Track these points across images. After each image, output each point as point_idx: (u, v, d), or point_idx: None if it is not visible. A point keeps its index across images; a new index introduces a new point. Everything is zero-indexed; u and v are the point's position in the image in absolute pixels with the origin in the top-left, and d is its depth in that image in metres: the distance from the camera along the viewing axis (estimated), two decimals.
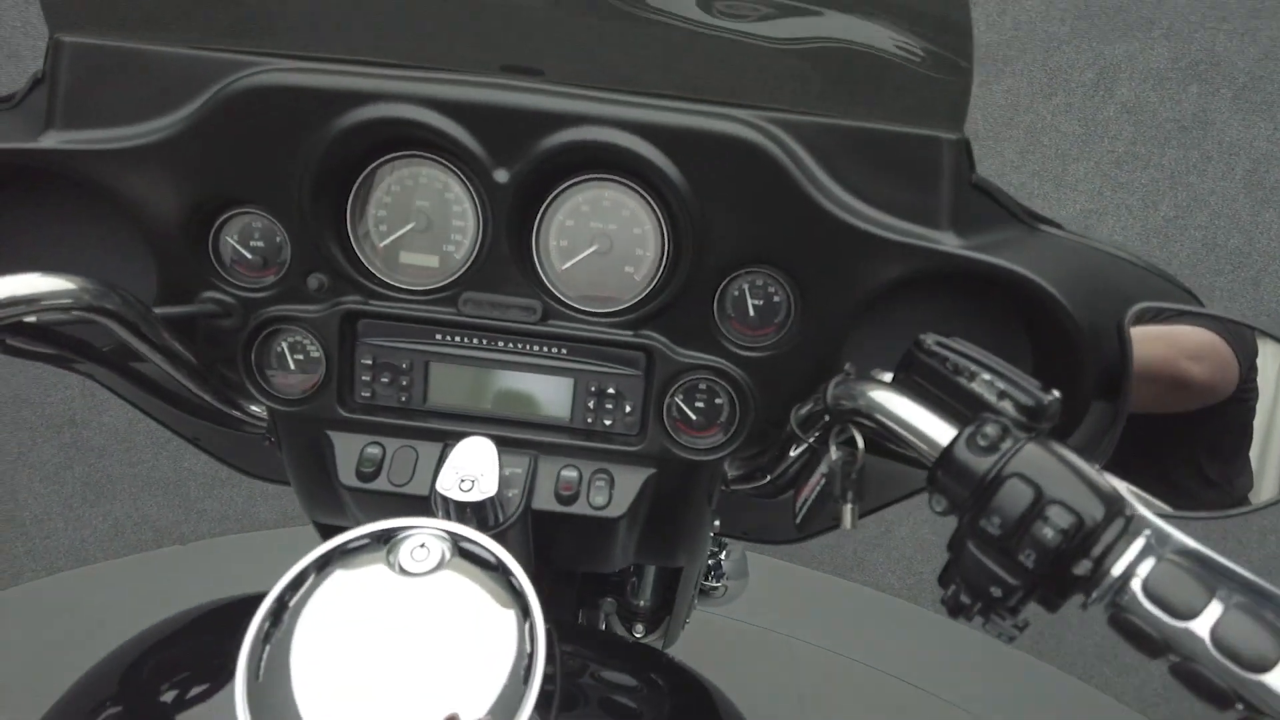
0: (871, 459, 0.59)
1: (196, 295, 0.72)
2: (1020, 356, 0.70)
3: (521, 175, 0.67)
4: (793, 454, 0.68)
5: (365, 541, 0.54)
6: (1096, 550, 0.44)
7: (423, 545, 0.53)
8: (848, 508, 0.58)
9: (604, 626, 1.08)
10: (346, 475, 0.74)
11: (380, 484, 0.73)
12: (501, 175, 0.67)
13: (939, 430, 0.51)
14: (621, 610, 1.06)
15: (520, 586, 0.53)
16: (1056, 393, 0.49)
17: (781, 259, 0.68)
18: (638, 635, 1.05)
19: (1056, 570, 0.44)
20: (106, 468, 2.30)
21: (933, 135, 0.65)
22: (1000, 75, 2.39)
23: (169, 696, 0.61)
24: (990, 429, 0.48)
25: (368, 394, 0.74)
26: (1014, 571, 0.45)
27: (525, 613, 0.52)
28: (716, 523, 0.91)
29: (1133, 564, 0.43)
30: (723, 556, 1.23)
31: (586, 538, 0.76)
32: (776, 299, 0.71)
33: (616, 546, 0.77)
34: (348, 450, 0.74)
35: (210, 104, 0.64)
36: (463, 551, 0.54)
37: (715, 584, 1.23)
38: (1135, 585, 0.43)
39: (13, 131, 0.66)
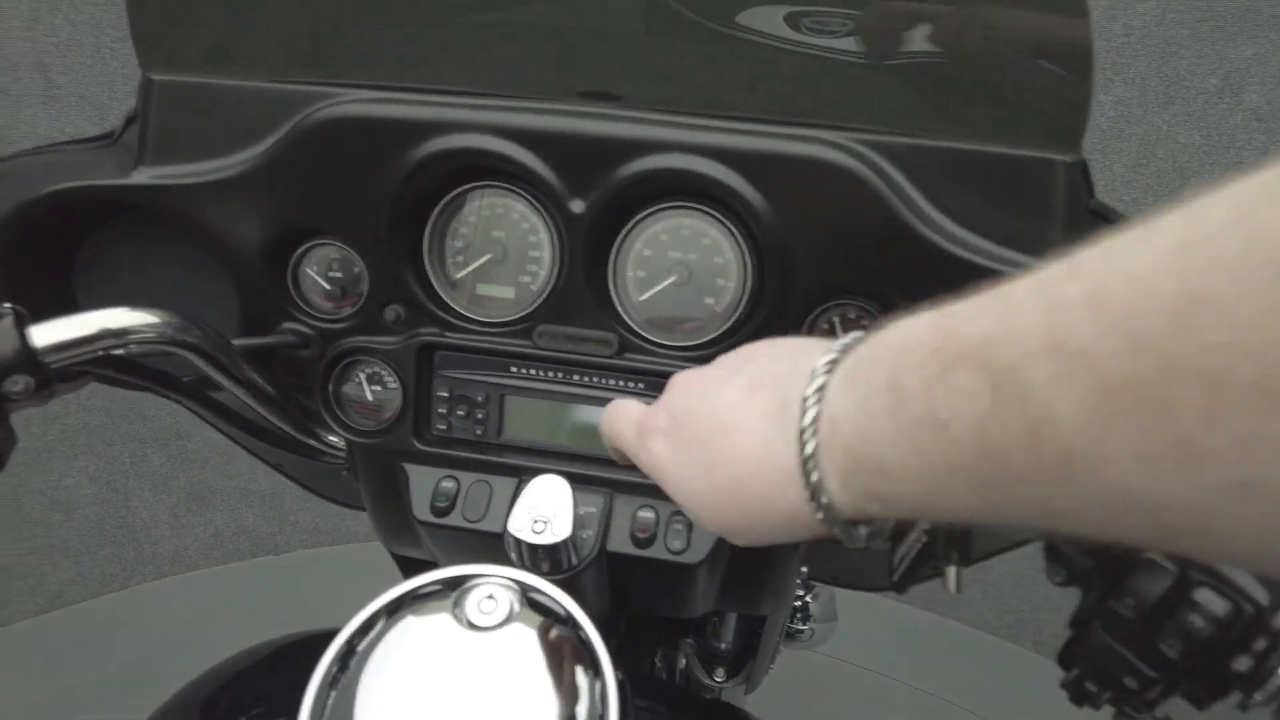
0: None
1: (276, 327, 0.72)
2: None
3: (598, 205, 0.64)
4: None
5: (436, 588, 0.52)
6: (1262, 643, 0.37)
7: (490, 596, 0.50)
8: (952, 570, 0.53)
9: (683, 667, 1.03)
10: (421, 509, 0.72)
11: (454, 519, 0.72)
12: (577, 205, 0.64)
13: None
14: (702, 652, 1.01)
15: (591, 642, 0.50)
16: None
17: (875, 290, 0.63)
18: (718, 679, 1.00)
19: (1209, 664, 0.38)
20: (208, 479, 2.40)
21: (1045, 157, 0.59)
22: (1110, 84, 2.24)
23: None
24: None
25: (443, 427, 0.73)
26: (1154, 661, 0.39)
27: (596, 670, 0.49)
28: (804, 568, 0.86)
29: None
30: (809, 599, 1.17)
31: (664, 583, 0.72)
32: None
33: (696, 593, 0.73)
34: (422, 484, 0.73)
35: (288, 136, 0.64)
36: (532, 602, 0.52)
37: (802, 627, 1.17)
38: None
39: (108, 168, 0.68)
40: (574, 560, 0.65)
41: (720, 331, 0.68)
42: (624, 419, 0.52)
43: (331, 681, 0.48)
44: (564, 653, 0.49)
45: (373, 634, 0.50)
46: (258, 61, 0.67)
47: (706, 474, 0.42)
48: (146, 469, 2.31)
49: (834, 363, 0.36)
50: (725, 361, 0.46)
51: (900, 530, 0.61)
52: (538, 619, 0.50)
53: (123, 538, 2.33)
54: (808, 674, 1.87)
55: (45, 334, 0.55)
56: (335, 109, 0.64)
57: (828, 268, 0.63)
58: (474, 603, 0.50)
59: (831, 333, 0.67)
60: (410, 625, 0.50)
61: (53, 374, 0.57)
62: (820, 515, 0.36)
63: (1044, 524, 0.28)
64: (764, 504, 0.39)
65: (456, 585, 0.52)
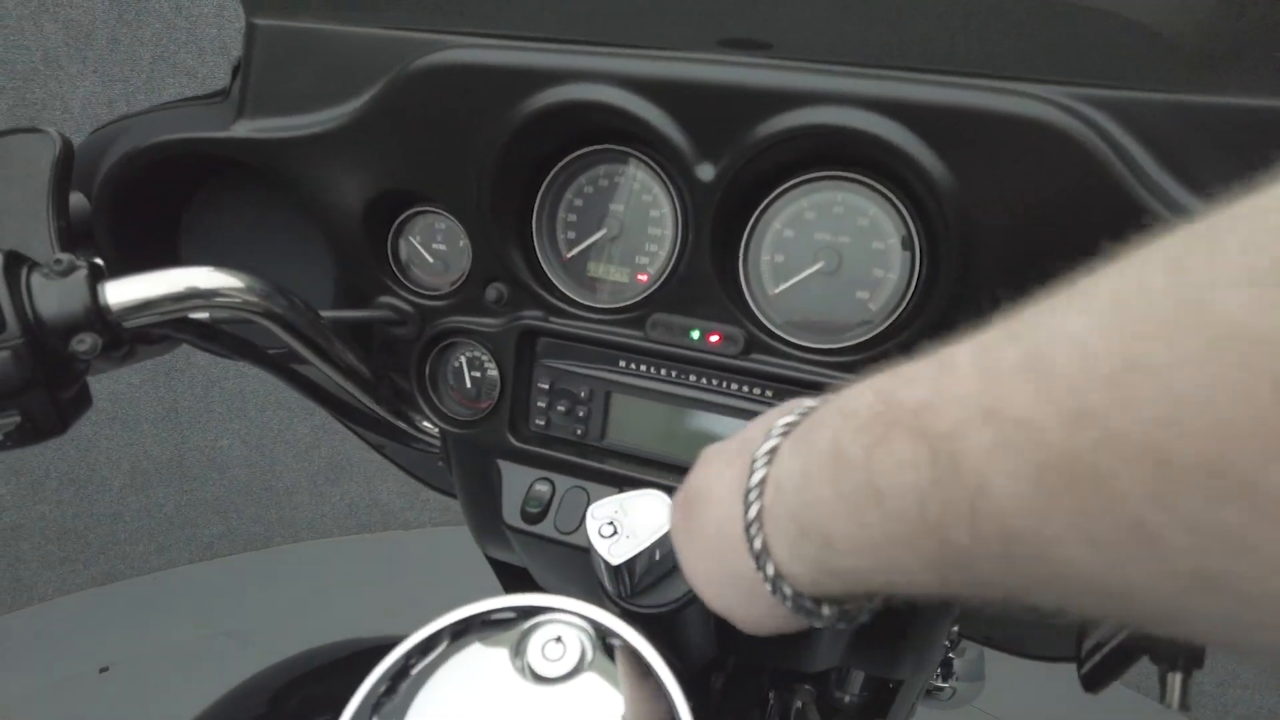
0: None
1: (374, 300, 0.66)
2: None
3: (730, 172, 0.53)
4: None
5: (509, 615, 0.44)
6: None
7: (559, 639, 0.41)
8: (1176, 678, 0.38)
9: (788, 711, 0.91)
10: (511, 513, 0.65)
11: (544, 528, 0.63)
12: (706, 171, 0.54)
13: None
14: (821, 703, 0.88)
15: (670, 699, 0.39)
16: None
17: None
18: None
19: None
20: (347, 451, 2.48)
21: None
22: None
23: None
24: None
25: (542, 423, 0.64)
26: None
27: None
28: (955, 629, 0.71)
29: None
30: (953, 654, 1.01)
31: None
32: None
33: (817, 647, 0.61)
34: (515, 484, 0.65)
35: (389, 86, 0.58)
36: (608, 648, 0.42)
37: (943, 684, 1.01)
38: None
39: (213, 121, 0.64)
40: (677, 593, 0.55)
41: (874, 334, 0.55)
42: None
43: (375, 705, 0.40)
44: (636, 710, 0.39)
45: (429, 659, 0.42)
46: (365, 4, 0.61)
47: (689, 543, 0.40)
48: (292, 436, 2.42)
49: (792, 425, 0.35)
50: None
51: None
52: (610, 668, 0.40)
53: (267, 499, 2.45)
54: None
55: (118, 291, 0.51)
56: (440, 55, 0.56)
57: (1023, 258, 0.49)
58: (538, 646, 0.41)
59: None
60: (466, 660, 0.41)
61: (125, 334, 0.52)
62: (769, 587, 0.34)
63: (1007, 601, 0.26)
64: (731, 576, 0.37)
65: (528, 615, 0.43)
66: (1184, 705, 0.39)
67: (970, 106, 0.47)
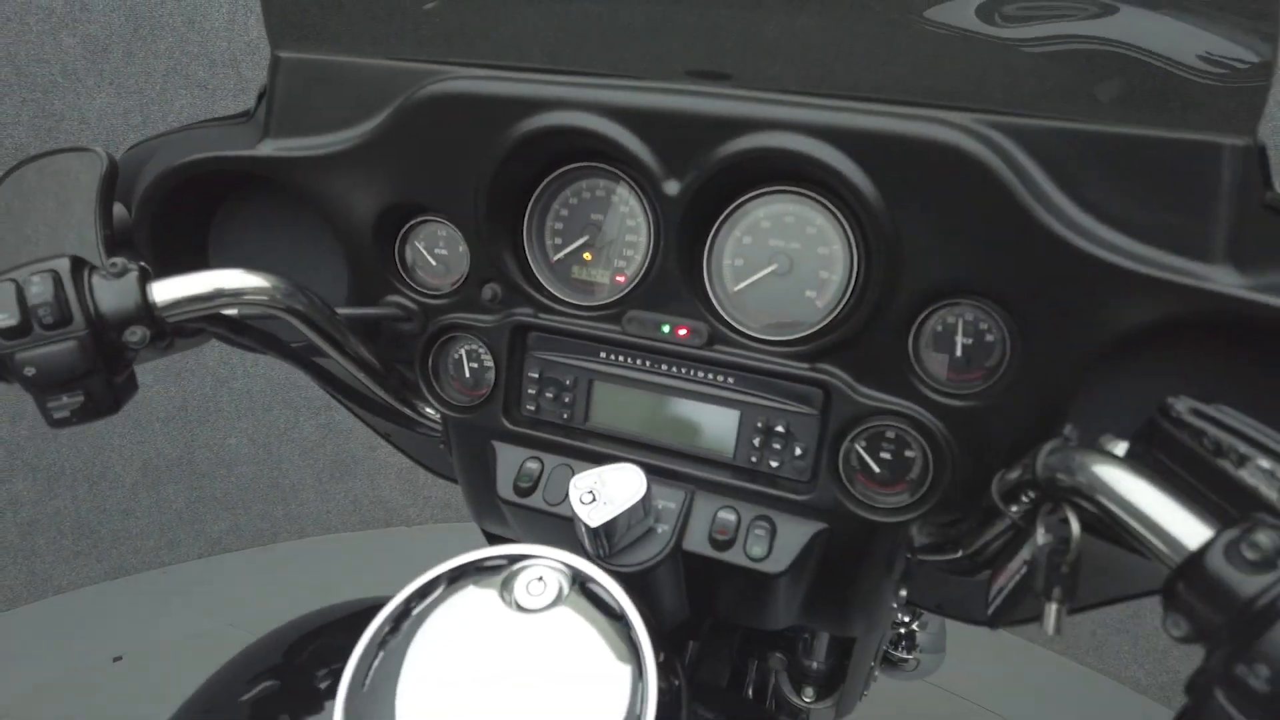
0: (1088, 539, 0.46)
1: (382, 299, 0.74)
2: None
3: (693, 187, 0.61)
4: (993, 529, 0.56)
5: (500, 562, 0.52)
6: None
7: (540, 579, 0.49)
8: (1053, 608, 0.46)
9: (772, 684, 0.99)
10: (504, 488, 0.72)
11: (534, 500, 0.71)
12: (672, 187, 0.62)
13: (1187, 528, 0.39)
14: (792, 670, 0.96)
15: (636, 638, 0.47)
16: None
17: (996, 290, 0.57)
18: (807, 700, 0.95)
19: None
20: (351, 450, 2.56)
21: (1208, 140, 0.50)
22: None
23: (295, 686, 0.63)
24: (1265, 538, 0.35)
25: (532, 408, 0.72)
26: None
27: (639, 665, 0.46)
28: (904, 592, 0.79)
29: None
30: (916, 626, 1.09)
31: (743, 590, 0.68)
32: (990, 338, 0.59)
33: (777, 605, 0.69)
34: (509, 462, 0.73)
35: (397, 111, 0.66)
36: (586, 592, 0.50)
37: (906, 655, 1.09)
38: None
39: (239, 141, 0.72)
40: (652, 554, 0.63)
41: (818, 327, 0.63)
42: None
43: (381, 642, 0.48)
44: (607, 643, 0.47)
45: (427, 601, 0.50)
46: (376, 40, 0.69)
47: None
48: (298, 435, 2.50)
49: None
50: None
51: (1002, 556, 0.55)
52: (586, 606, 0.48)
53: (274, 497, 2.53)
54: (911, 702, 1.75)
55: (164, 290, 0.59)
56: (442, 85, 0.65)
57: (942, 263, 0.57)
58: (523, 583, 0.49)
59: (947, 337, 0.61)
60: (460, 598, 0.49)
61: (169, 327, 0.60)
62: None
63: None
64: None
65: (516, 561, 0.51)
66: (1058, 630, 0.46)
67: (892, 132, 0.55)
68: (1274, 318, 0.48)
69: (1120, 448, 0.46)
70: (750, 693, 0.97)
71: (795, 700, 0.96)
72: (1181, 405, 0.41)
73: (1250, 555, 0.35)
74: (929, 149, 0.54)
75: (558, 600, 0.48)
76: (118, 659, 2.15)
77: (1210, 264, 0.51)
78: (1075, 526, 0.45)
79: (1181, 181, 0.51)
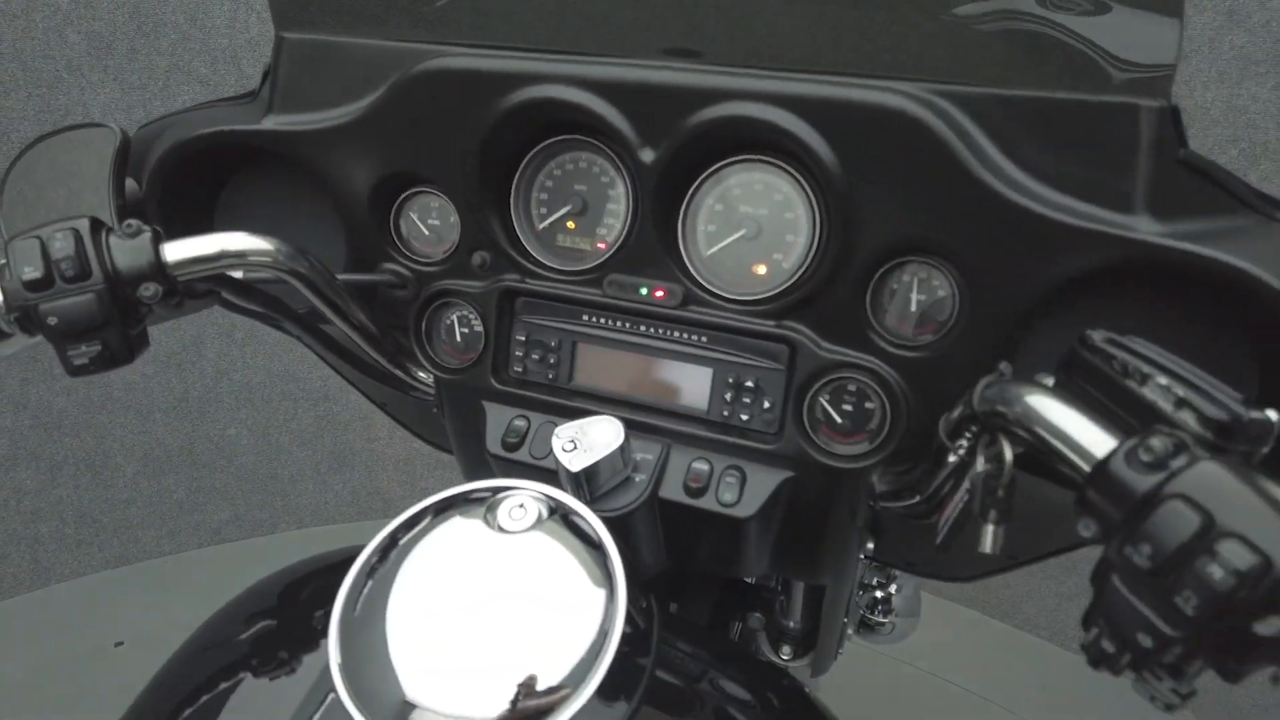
0: (1039, 490, 0.51)
1: (378, 266, 0.79)
2: (1243, 375, 0.58)
3: (667, 155, 0.66)
4: (944, 470, 0.61)
5: (485, 495, 0.56)
6: None
7: (521, 505, 0.53)
8: (989, 528, 0.51)
9: (749, 642, 1.03)
10: (493, 444, 0.77)
11: (521, 455, 0.75)
12: (647, 155, 0.66)
13: (1097, 441, 0.43)
14: (770, 628, 1.00)
15: (610, 563, 0.51)
16: (1273, 413, 0.39)
17: (945, 247, 0.61)
18: (784, 658, 0.99)
19: (1231, 625, 0.35)
20: (350, 441, 2.60)
21: (1128, 102, 0.55)
22: None
23: (291, 624, 0.67)
24: (1158, 442, 0.39)
25: (520, 369, 0.77)
26: (1171, 618, 0.36)
27: (612, 590, 0.50)
28: (870, 545, 0.83)
29: None
30: (893, 590, 1.13)
31: (717, 537, 0.73)
32: (941, 293, 0.64)
33: (748, 550, 0.73)
34: (498, 420, 0.78)
35: (391, 88, 0.71)
36: (568, 523, 0.54)
37: (883, 620, 1.13)
38: None
39: (245, 117, 0.77)
40: (629, 500, 0.67)
41: (781, 288, 0.68)
42: None
43: (370, 570, 0.52)
44: (582, 565, 0.51)
45: (414, 531, 0.54)
46: (373, 21, 0.74)
47: None
48: (297, 426, 2.54)
49: None
50: None
51: (944, 495, 0.59)
52: (563, 532, 0.53)
53: (273, 488, 2.57)
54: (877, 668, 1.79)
55: (175, 250, 0.64)
56: (433, 62, 0.69)
57: (895, 223, 0.62)
58: (506, 509, 0.53)
59: (903, 293, 0.65)
60: (446, 526, 0.53)
61: (179, 286, 0.65)
62: None
63: None
64: None
65: (499, 493, 0.56)
66: (994, 549, 0.51)
67: (847, 99, 0.60)
68: (1186, 262, 0.53)
69: (1051, 380, 0.50)
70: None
71: (773, 658, 1.00)
72: (1098, 335, 0.46)
73: (1145, 458, 0.39)
74: (879, 114, 0.59)
75: (537, 524, 0.52)
76: (119, 644, 2.18)
77: (1133, 215, 0.55)
78: (1008, 452, 0.49)
79: (1106, 141, 0.56)
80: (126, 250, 0.62)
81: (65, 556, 2.38)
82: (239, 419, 2.48)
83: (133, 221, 0.63)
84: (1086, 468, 0.43)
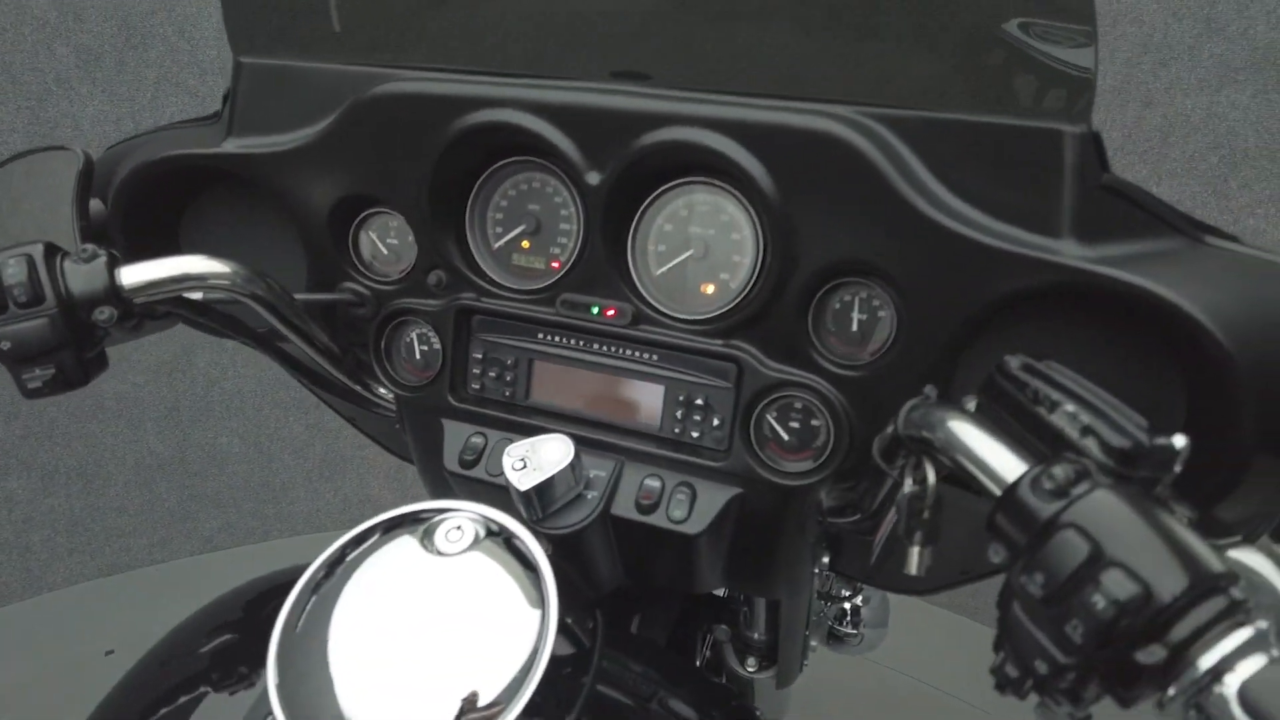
0: (968, 508, 0.52)
1: (338, 285, 0.80)
2: (1174, 400, 0.59)
3: (613, 177, 0.67)
4: (884, 488, 0.62)
5: (430, 515, 0.57)
6: (1177, 634, 0.35)
7: (458, 527, 0.54)
8: (914, 550, 0.52)
9: (720, 655, 1.04)
10: (451, 461, 0.78)
11: (478, 472, 0.76)
12: (593, 177, 0.67)
13: (1008, 466, 0.44)
14: (736, 640, 1.01)
15: (544, 584, 0.52)
16: (1179, 439, 0.40)
17: (880, 269, 0.62)
18: (750, 669, 1.00)
19: (1116, 653, 0.36)
20: (340, 448, 2.61)
21: (1051, 128, 0.56)
22: None
23: (252, 638, 0.68)
24: (1060, 470, 0.40)
25: (478, 386, 0.78)
26: (1063, 646, 0.37)
27: (543, 603, 0.51)
28: (826, 559, 0.84)
29: (1229, 659, 0.34)
30: (859, 601, 1.14)
31: (670, 553, 0.74)
32: (882, 314, 0.65)
33: (701, 566, 0.74)
34: (456, 437, 0.78)
35: (347, 111, 0.72)
36: (509, 545, 0.55)
37: (852, 630, 1.14)
38: (1229, 689, 0.34)
39: (207, 139, 0.78)
40: (580, 517, 0.68)
41: (727, 307, 0.69)
42: None
43: (315, 587, 0.53)
44: (518, 586, 0.52)
45: (362, 548, 0.55)
46: (328, 45, 0.75)
47: None
48: (288, 434, 2.55)
49: None
50: None
51: (879, 516, 0.60)
52: (501, 553, 0.54)
53: (265, 495, 2.58)
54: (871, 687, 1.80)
55: (132, 274, 0.65)
56: (383, 87, 0.70)
57: (831, 244, 0.63)
58: (443, 532, 0.54)
59: (845, 313, 0.66)
60: (387, 547, 0.55)
61: (137, 309, 0.66)
62: None
63: None
64: None
65: (440, 514, 0.57)
66: (919, 570, 0.52)
67: (781, 124, 0.61)
68: (1110, 287, 0.54)
69: (973, 404, 0.51)
70: (701, 663, 1.02)
71: (740, 670, 1.01)
72: (1014, 362, 0.47)
73: (1048, 485, 0.40)
74: (811, 138, 0.60)
75: (474, 545, 0.53)
76: (109, 653, 2.20)
77: (1058, 239, 0.56)
78: (930, 475, 0.50)
79: (1032, 165, 0.57)
80: (81, 275, 0.63)
81: (57, 565, 2.39)
82: (230, 428, 2.49)
83: (88, 246, 0.64)
84: (998, 492, 0.44)
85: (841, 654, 1.16)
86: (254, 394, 2.48)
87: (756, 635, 0.99)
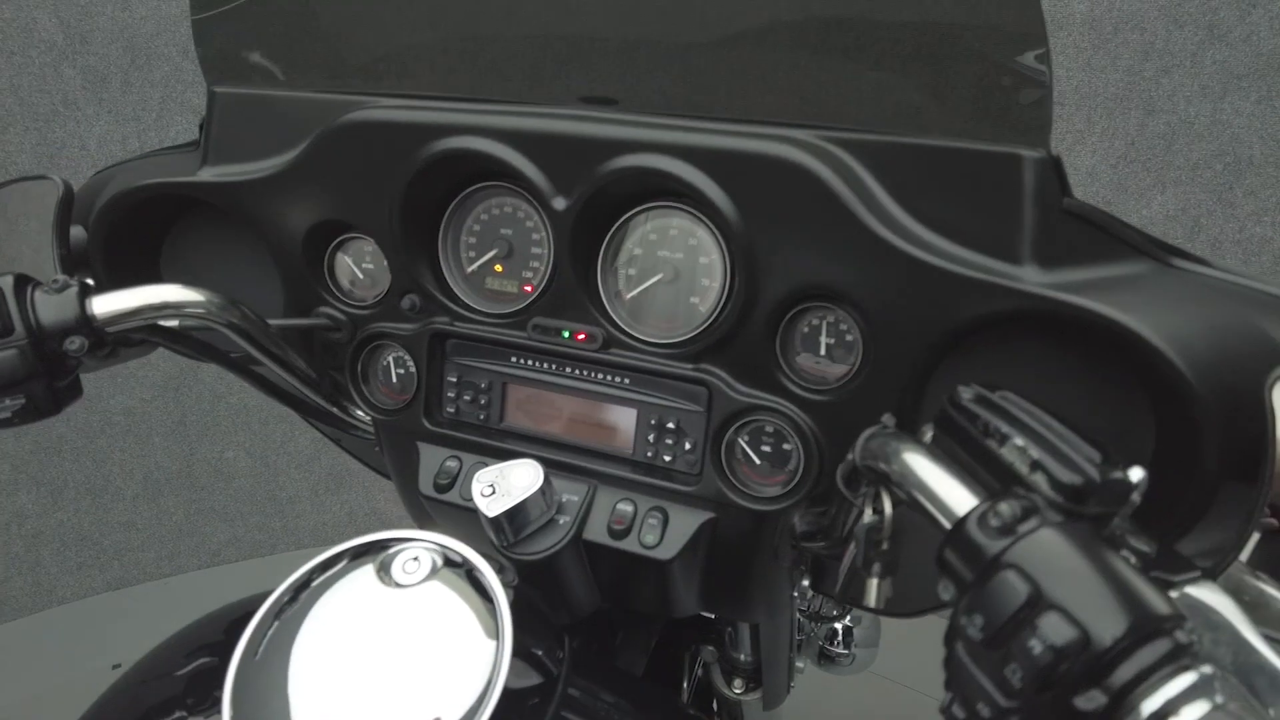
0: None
1: (314, 311, 0.80)
2: (1140, 424, 0.57)
3: (579, 203, 0.67)
4: (852, 514, 0.61)
5: (393, 544, 0.57)
6: (1118, 679, 0.34)
7: (415, 558, 0.54)
8: (872, 582, 0.51)
9: (709, 676, 1.03)
10: (425, 484, 0.78)
11: (452, 496, 0.76)
12: (559, 203, 0.67)
13: (959, 500, 0.43)
14: (722, 662, 1.00)
15: (497, 605, 0.52)
16: (1136, 472, 0.39)
17: (845, 294, 0.62)
18: (737, 691, 0.99)
19: (1057, 697, 0.35)
20: (346, 462, 2.61)
21: (1009, 152, 0.55)
22: None
23: (216, 668, 0.68)
24: (1006, 507, 0.39)
25: (452, 410, 0.78)
26: (1004, 689, 0.36)
27: (499, 637, 0.51)
28: (806, 582, 0.83)
29: (1173, 703, 0.33)
30: (849, 621, 1.13)
31: (645, 578, 0.73)
32: (849, 338, 0.64)
33: (675, 590, 0.73)
34: (431, 461, 0.78)
35: (319, 139, 0.72)
36: (469, 577, 0.55)
37: (843, 650, 1.12)
38: None
39: (184, 167, 0.79)
40: (552, 542, 0.68)
41: (695, 332, 0.68)
42: None
43: (278, 612, 0.54)
44: (475, 616, 0.52)
45: (324, 577, 0.55)
46: (300, 74, 0.75)
47: None
48: (294, 448, 2.56)
49: None
50: None
51: (848, 543, 0.59)
52: (459, 583, 0.53)
53: (271, 509, 2.60)
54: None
55: (102, 303, 0.65)
56: (353, 115, 0.71)
57: (795, 269, 0.62)
58: (400, 563, 0.54)
59: (813, 337, 0.66)
60: (346, 579, 0.54)
61: (109, 337, 0.66)
62: None
63: None
64: None
65: (404, 543, 0.57)
66: (878, 604, 0.51)
67: (741, 150, 0.60)
68: (1067, 313, 0.53)
69: (929, 434, 0.50)
70: (689, 685, 1.01)
71: (727, 692, 1.00)
72: (967, 393, 0.46)
73: (994, 523, 0.39)
74: (771, 164, 0.59)
75: (429, 577, 0.53)
76: (117, 666, 2.21)
77: (1020, 265, 0.55)
78: (887, 506, 0.50)
79: (992, 190, 0.56)
80: (51, 305, 0.63)
81: (66, 579, 2.41)
82: (236, 442, 2.51)
83: (60, 277, 0.65)
84: (948, 526, 0.43)
85: (832, 673, 1.15)
86: (259, 408, 2.49)
87: (742, 657, 0.98)
